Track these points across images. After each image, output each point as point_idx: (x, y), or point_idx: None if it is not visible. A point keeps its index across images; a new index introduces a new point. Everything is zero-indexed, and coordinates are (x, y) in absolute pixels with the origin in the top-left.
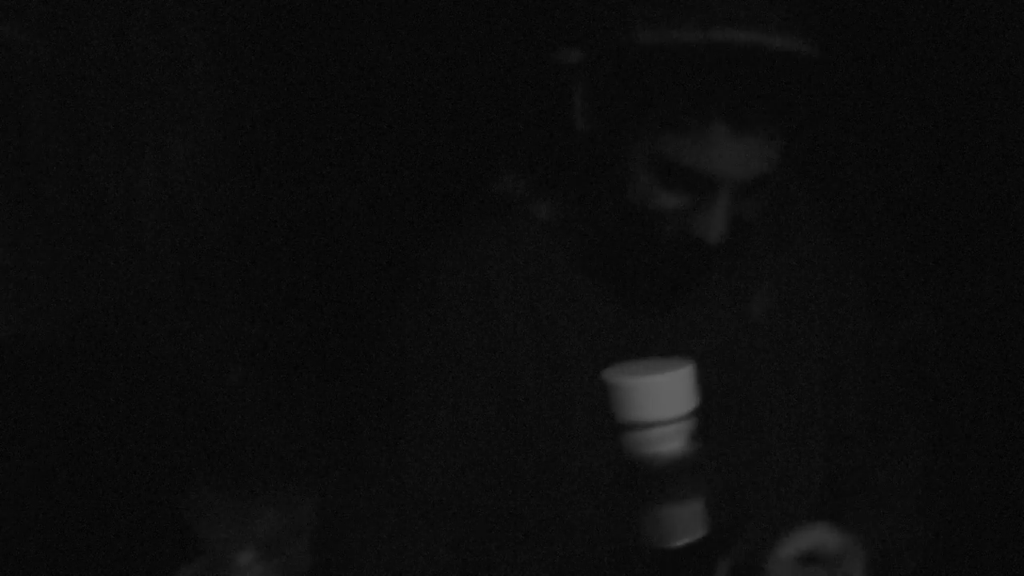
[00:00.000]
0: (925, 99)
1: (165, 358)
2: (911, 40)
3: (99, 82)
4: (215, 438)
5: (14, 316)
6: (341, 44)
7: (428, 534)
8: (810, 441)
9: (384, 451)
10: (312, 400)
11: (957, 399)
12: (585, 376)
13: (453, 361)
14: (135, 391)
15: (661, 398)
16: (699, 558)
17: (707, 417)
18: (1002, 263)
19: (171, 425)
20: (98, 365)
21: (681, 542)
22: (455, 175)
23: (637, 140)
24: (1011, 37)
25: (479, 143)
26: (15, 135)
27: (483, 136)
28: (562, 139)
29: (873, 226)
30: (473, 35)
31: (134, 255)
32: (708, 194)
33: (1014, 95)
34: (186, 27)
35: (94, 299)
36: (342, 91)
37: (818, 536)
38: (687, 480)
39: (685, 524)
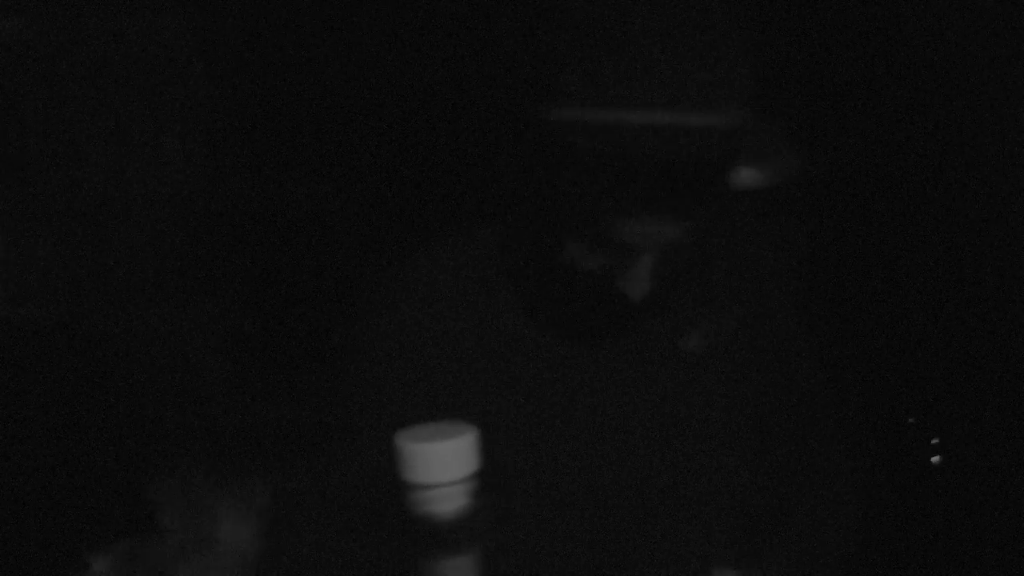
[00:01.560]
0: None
1: (150, 347)
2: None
3: (95, 80)
4: (187, 427)
5: (5, 303)
6: (331, 47)
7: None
8: (732, 475)
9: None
10: (285, 393)
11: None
12: (513, 404)
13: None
14: (119, 378)
15: (441, 462)
16: None
17: (634, 448)
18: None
19: (148, 413)
20: (84, 352)
21: None
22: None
23: (563, 207)
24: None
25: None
26: (12, 131)
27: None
28: (505, 191)
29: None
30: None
31: (125, 247)
32: (631, 256)
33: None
34: (181, 28)
35: (84, 289)
36: (333, 94)
37: None
38: (462, 536)
39: (459, 574)
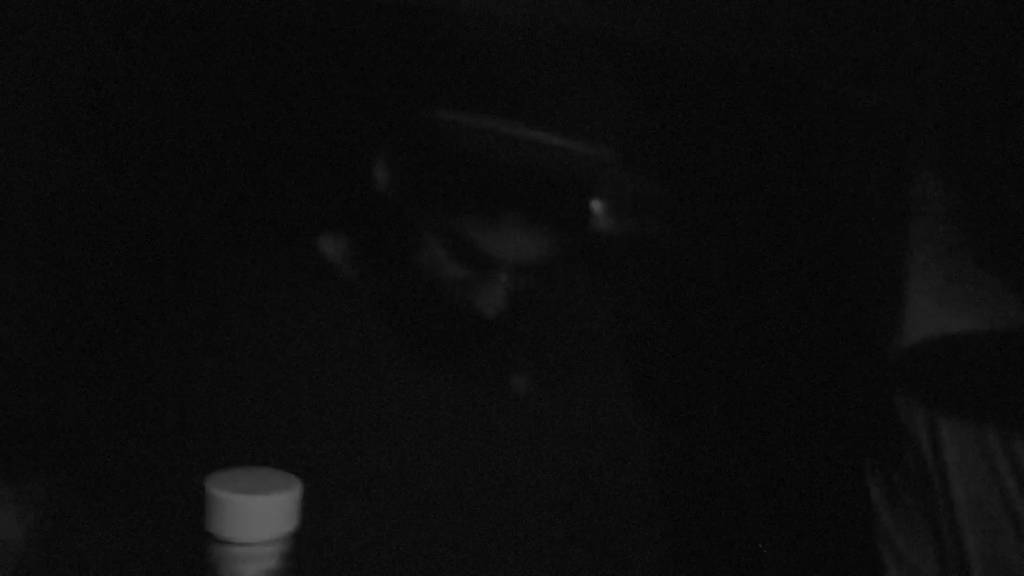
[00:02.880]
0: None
1: None
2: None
3: None
4: None
5: None
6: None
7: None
8: (549, 513)
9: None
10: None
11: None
12: (344, 424)
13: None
14: None
15: (257, 519)
16: None
17: (458, 483)
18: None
19: None
20: None
21: None
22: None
23: (431, 211)
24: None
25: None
26: None
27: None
28: (367, 197)
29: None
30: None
31: None
32: (491, 271)
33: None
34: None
35: None
36: (199, 89)
37: None
38: None
39: None
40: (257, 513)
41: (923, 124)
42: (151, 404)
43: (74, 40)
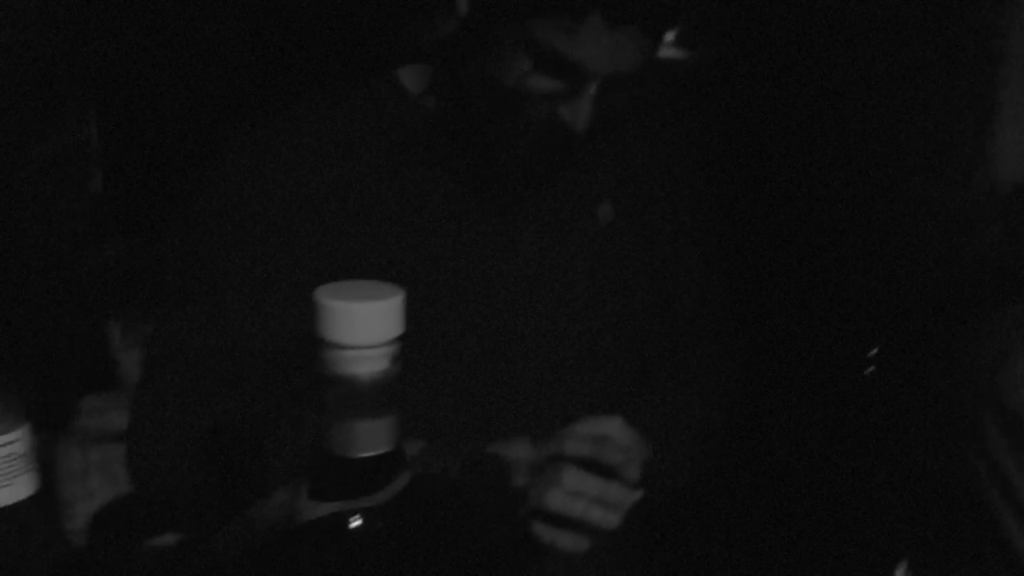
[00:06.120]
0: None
1: None
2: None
3: None
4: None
5: None
6: None
7: (248, 386)
8: (623, 339)
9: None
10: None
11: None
12: (428, 253)
13: (282, 210)
14: None
15: (367, 324)
16: (378, 470)
17: (538, 312)
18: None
19: None
20: None
21: (366, 454)
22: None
23: (514, 23)
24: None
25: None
26: None
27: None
28: (440, 14)
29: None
30: None
31: None
32: (578, 83)
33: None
34: None
35: None
36: None
37: (610, 426)
38: (380, 399)
39: (372, 439)
40: (369, 318)
41: None
42: None
43: None
